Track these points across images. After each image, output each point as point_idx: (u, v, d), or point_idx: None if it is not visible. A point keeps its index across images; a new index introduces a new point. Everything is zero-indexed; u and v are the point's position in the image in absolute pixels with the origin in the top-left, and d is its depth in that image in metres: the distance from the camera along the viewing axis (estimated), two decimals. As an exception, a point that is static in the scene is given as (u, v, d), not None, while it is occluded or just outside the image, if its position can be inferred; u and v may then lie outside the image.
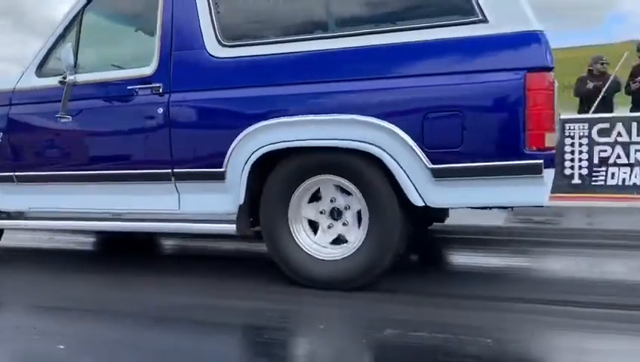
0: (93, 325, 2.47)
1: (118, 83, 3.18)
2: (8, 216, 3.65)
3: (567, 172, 6.15)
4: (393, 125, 2.58)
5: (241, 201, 2.90)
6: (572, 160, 6.17)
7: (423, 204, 2.63)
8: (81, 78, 3.25)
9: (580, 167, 6.14)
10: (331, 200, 2.88)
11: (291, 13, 2.91)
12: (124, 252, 4.30)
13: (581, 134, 6.14)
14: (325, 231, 2.90)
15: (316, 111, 2.71)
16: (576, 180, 6.15)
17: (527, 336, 2.21)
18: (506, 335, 2.20)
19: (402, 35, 2.62)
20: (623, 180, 6.00)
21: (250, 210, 2.95)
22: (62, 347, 2.18)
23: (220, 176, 2.94)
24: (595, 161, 6.08)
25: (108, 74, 3.24)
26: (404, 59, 2.62)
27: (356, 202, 2.80)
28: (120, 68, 3.26)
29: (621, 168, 6.00)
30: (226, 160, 2.90)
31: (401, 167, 2.60)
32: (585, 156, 6.13)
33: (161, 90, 3.05)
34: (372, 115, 2.60)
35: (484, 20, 2.52)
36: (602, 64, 7.80)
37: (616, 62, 7.63)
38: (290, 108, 2.76)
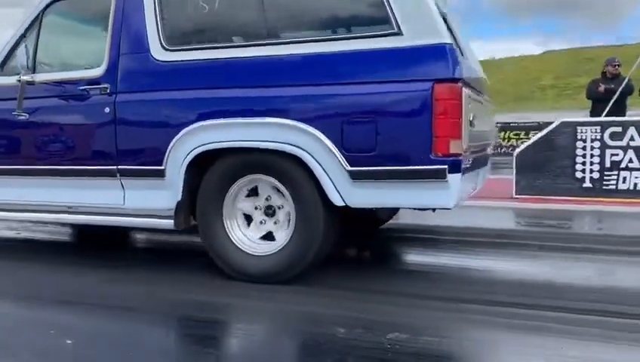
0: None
1: (70, 83, 3.36)
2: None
3: (579, 175, 6.15)
4: (315, 129, 2.75)
5: (179, 198, 3.08)
6: (583, 163, 6.13)
7: (344, 204, 2.80)
8: (38, 77, 3.44)
9: (592, 171, 6.15)
10: (267, 198, 3.05)
11: (226, 22, 3.09)
12: (109, 245, 4.49)
13: (593, 137, 6.10)
14: (258, 226, 3.08)
15: (246, 115, 2.88)
16: (587, 184, 6.17)
17: (453, 334, 2.33)
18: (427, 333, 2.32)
19: (324, 45, 2.79)
20: (635, 185, 6.02)
21: (191, 206, 3.14)
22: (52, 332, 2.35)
23: (161, 174, 3.12)
24: (607, 164, 6.09)
25: (62, 74, 3.43)
26: (325, 67, 2.79)
27: (287, 203, 2.97)
28: (74, 69, 3.44)
29: (633, 172, 6.03)
30: (165, 158, 3.08)
31: (323, 169, 2.77)
32: (597, 160, 6.13)
33: (108, 91, 3.23)
34: (296, 119, 2.78)
35: (399, 33, 2.68)
36: (615, 66, 7.84)
37: (632, 63, 7.59)
38: (223, 111, 2.94)
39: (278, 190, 3.00)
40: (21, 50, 3.35)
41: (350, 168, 2.72)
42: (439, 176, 2.60)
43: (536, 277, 3.21)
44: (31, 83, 3.44)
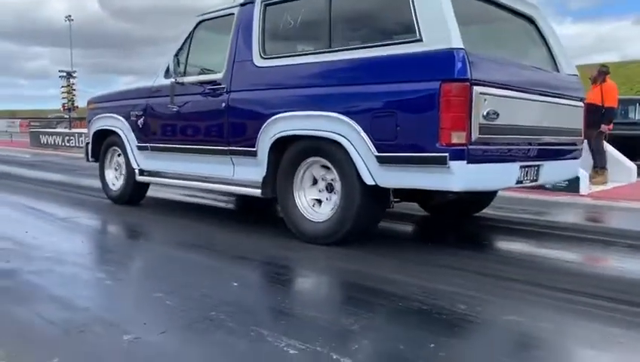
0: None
1: (204, 83, 4.49)
2: (149, 173, 5.27)
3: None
4: (352, 120, 3.39)
5: (264, 173, 3.98)
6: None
7: (374, 183, 3.38)
8: (185, 79, 4.65)
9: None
10: (322, 178, 3.77)
11: (301, 37, 3.88)
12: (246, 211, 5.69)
13: None
14: (316, 197, 3.81)
15: (306, 109, 3.64)
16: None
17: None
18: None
19: (361, 52, 3.40)
20: None
21: (273, 180, 4.00)
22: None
23: (254, 154, 4.05)
24: None
25: (199, 77, 4.58)
26: (360, 70, 3.40)
27: (336, 182, 3.64)
28: (208, 73, 4.57)
29: None
30: (256, 142, 4.00)
31: (358, 153, 3.39)
32: None
33: (225, 90, 4.27)
34: (338, 112, 3.44)
35: (420, 40, 3.16)
36: None
37: None
38: (293, 106, 3.74)
39: (331, 170, 3.68)
40: (172, 60, 4.59)
41: (378, 153, 3.30)
42: (441, 162, 3.04)
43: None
44: (180, 83, 4.67)
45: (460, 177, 3.07)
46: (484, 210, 4.90)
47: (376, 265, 3.25)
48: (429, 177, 3.17)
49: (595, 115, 7.86)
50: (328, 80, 3.57)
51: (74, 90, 24.48)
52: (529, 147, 3.61)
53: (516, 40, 4.33)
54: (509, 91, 3.33)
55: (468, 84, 3.02)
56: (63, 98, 24.43)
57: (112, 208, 5.38)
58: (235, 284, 2.84)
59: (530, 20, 4.27)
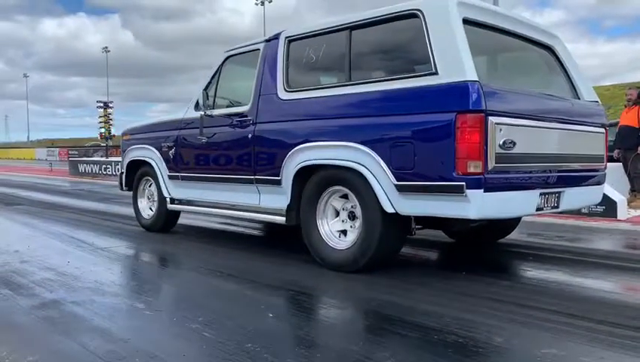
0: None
1: (231, 116, 4.69)
2: (180, 202, 5.48)
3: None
4: (371, 150, 3.50)
5: (288, 201, 4.11)
6: None
7: (394, 211, 3.47)
8: (213, 112, 4.86)
9: None
10: (343, 208, 3.89)
11: (322, 71, 4.04)
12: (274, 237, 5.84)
13: None
14: (340, 225, 3.92)
15: (327, 139, 3.78)
16: None
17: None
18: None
19: (379, 85, 3.54)
20: None
21: (297, 208, 4.13)
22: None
23: (279, 183, 4.20)
24: None
25: (227, 110, 4.79)
26: (378, 102, 3.53)
27: (357, 211, 3.75)
28: (235, 105, 4.77)
29: None
30: (281, 171, 4.14)
31: (378, 182, 3.50)
32: None
33: (252, 121, 4.45)
34: (357, 142, 3.57)
35: (436, 73, 3.27)
36: None
37: None
38: (314, 137, 3.88)
39: (353, 199, 3.79)
40: (201, 94, 4.81)
41: (396, 182, 3.40)
42: (459, 191, 3.12)
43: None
44: (210, 116, 4.88)
45: (477, 205, 3.14)
46: (519, 237, 4.91)
47: (407, 296, 3.29)
48: (447, 205, 3.24)
49: (632, 137, 7.75)
50: (348, 111, 3.71)
51: (110, 119, 25.36)
52: (549, 174, 3.65)
53: (535, 69, 4.40)
54: (526, 120, 3.40)
55: (483, 114, 3.11)
56: (101, 127, 25.34)
57: (148, 237, 5.58)
58: (271, 315, 2.93)
59: (549, 49, 4.35)
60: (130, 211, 6.57)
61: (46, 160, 31.71)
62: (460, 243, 5.01)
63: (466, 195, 3.11)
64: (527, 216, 3.96)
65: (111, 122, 25.54)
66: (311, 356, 2.37)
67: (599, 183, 4.29)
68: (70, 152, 38.59)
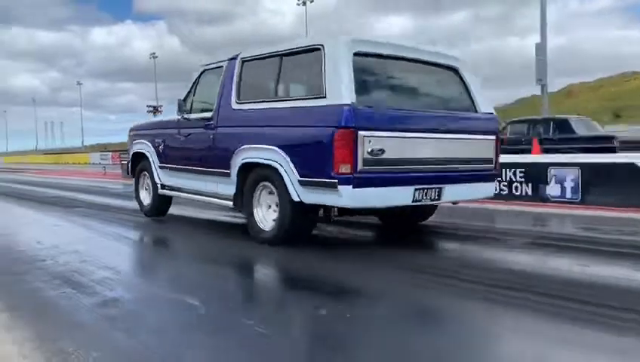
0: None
1: (201, 120, 5.86)
2: (167, 187, 6.71)
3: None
4: (284, 152, 4.60)
5: (234, 190, 5.27)
6: None
7: (299, 200, 4.57)
8: (189, 116, 6.06)
9: None
10: (272, 202, 5.01)
11: (261, 88, 5.17)
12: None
13: None
14: (267, 211, 5.04)
15: (257, 143, 4.91)
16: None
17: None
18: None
19: (291, 103, 4.64)
20: None
21: (241, 195, 5.28)
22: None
23: (229, 175, 5.35)
24: None
25: (199, 115, 5.97)
26: (290, 116, 4.63)
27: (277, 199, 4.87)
28: (205, 111, 5.95)
29: None
30: (230, 165, 5.30)
31: (288, 176, 4.60)
32: None
33: (213, 126, 5.62)
34: (275, 145, 4.68)
35: (324, 96, 4.34)
36: None
37: None
38: (250, 140, 5.01)
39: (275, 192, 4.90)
40: (178, 101, 6.03)
41: (300, 178, 4.49)
42: (334, 186, 4.20)
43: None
44: (187, 119, 6.08)
45: (348, 197, 4.21)
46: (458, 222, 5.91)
47: (314, 265, 4.43)
48: (329, 197, 4.32)
49: None
50: (273, 122, 4.83)
51: (160, 121, 26.84)
52: (424, 174, 4.64)
53: (439, 87, 5.37)
54: (395, 133, 4.41)
55: (353, 130, 4.16)
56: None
57: (195, 232, 6.31)
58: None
59: (454, 70, 5.30)
60: (176, 211, 7.32)
61: (100, 164, 32.64)
62: (386, 226, 6.07)
63: (338, 190, 4.18)
64: (405, 205, 4.90)
65: (161, 125, 26.98)
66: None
67: (488, 180, 5.24)
68: (122, 156, 40.08)
